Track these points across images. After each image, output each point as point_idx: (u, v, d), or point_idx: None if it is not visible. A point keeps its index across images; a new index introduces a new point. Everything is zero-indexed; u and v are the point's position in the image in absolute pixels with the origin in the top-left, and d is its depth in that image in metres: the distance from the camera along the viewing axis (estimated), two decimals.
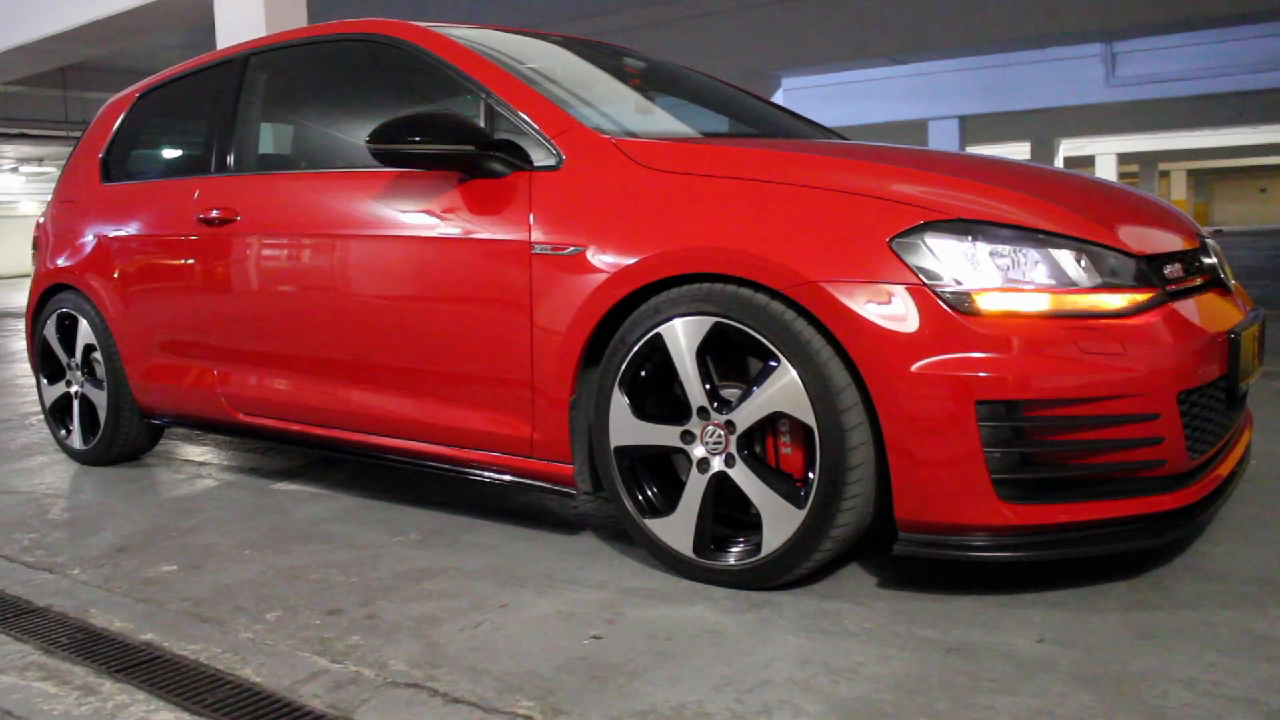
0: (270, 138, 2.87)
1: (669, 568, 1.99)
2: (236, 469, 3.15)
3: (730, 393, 1.89)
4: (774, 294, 1.78)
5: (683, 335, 1.88)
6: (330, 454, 2.57)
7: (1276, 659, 1.53)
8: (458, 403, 2.24)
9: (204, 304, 2.80)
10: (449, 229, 2.21)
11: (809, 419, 1.75)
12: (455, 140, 2.11)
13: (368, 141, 2.15)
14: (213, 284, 2.77)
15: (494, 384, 2.17)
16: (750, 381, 1.86)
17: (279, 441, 2.70)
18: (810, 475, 1.77)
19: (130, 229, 3.05)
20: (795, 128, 2.89)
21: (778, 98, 12.69)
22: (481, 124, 2.21)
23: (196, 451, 3.48)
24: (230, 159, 2.82)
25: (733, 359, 1.94)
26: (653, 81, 2.90)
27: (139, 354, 3.05)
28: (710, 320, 1.84)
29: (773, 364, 1.79)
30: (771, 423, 1.85)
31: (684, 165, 1.97)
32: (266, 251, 2.62)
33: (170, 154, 3.35)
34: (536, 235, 2.06)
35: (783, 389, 1.78)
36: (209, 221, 2.75)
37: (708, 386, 1.88)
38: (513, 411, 2.14)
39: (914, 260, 1.69)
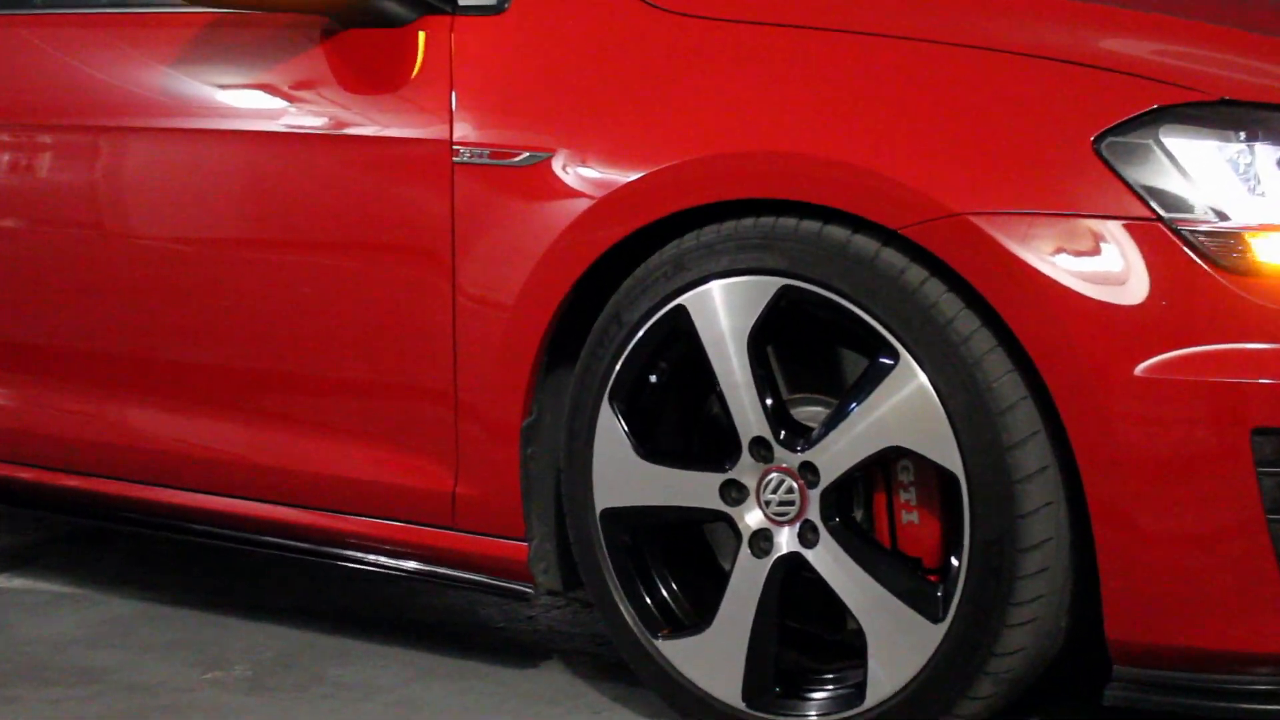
0: None
1: None
2: None
3: (809, 412, 1.92)
4: (888, 235, 1.78)
5: (724, 310, 1.89)
6: (92, 523, 2.61)
7: None
8: (322, 430, 2.28)
9: None
10: (306, 119, 2.25)
11: (950, 460, 1.76)
12: None
13: None
14: None
15: (386, 396, 2.21)
16: (845, 393, 1.87)
17: None
18: (953, 562, 1.78)
19: None
20: None
21: None
22: None
23: None
24: None
25: (812, 353, 1.95)
26: None
27: None
28: (775, 283, 1.85)
29: (885, 361, 1.80)
30: (883, 467, 1.86)
31: (729, 6, 1.98)
32: None
33: None
34: (462, 131, 2.08)
35: (903, 406, 1.79)
36: None
37: (769, 402, 1.89)
38: (420, 445, 2.17)
39: (1140, 176, 1.69)
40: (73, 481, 2.57)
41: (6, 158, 2.60)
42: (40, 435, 2.59)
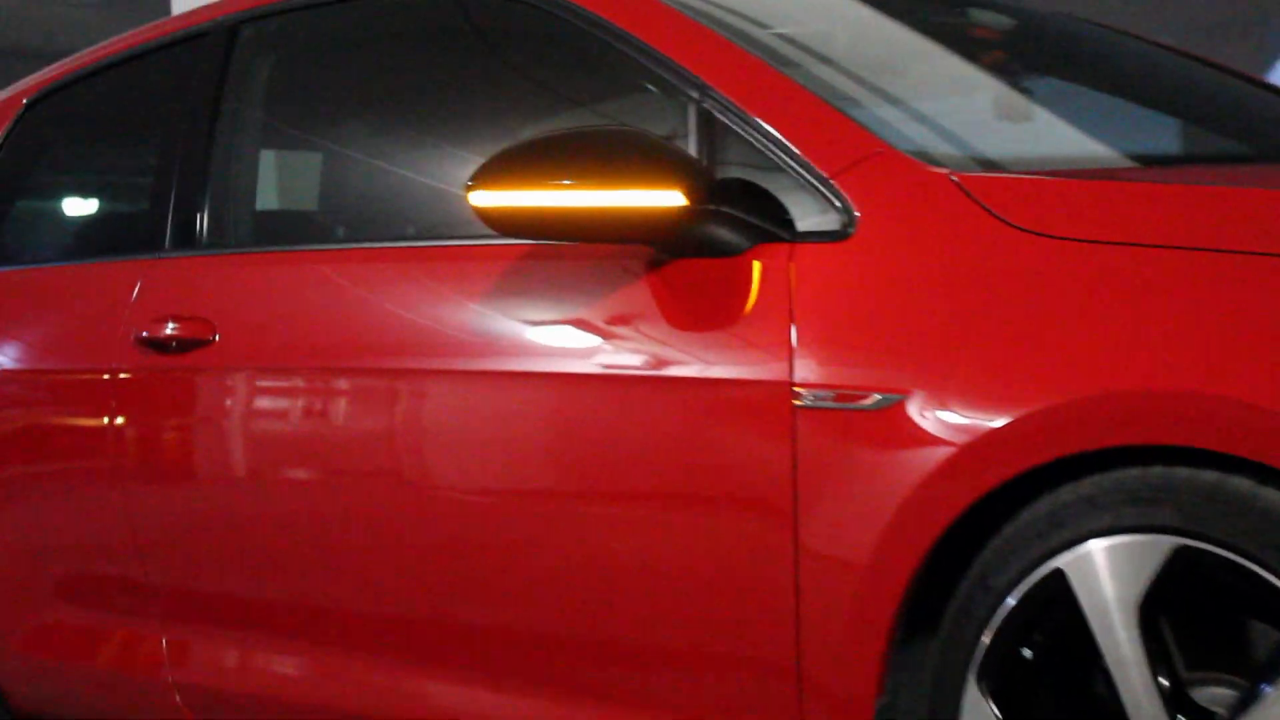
0: (276, 182, 3.17)
1: None
2: None
3: (1213, 695, 1.93)
4: None
5: (1109, 575, 1.94)
6: None
7: None
8: (642, 708, 2.39)
9: (144, 507, 3.05)
10: (626, 358, 2.40)
11: None
12: (642, 185, 2.25)
13: (469, 188, 2.35)
14: (162, 468, 3.05)
15: (717, 669, 2.30)
16: (1255, 673, 1.90)
17: None
18: None
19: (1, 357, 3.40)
20: None
21: None
22: (694, 151, 2.41)
23: None
24: (201, 224, 3.11)
25: (1215, 623, 1.99)
26: (1028, 53, 3.06)
27: (11, 603, 3.35)
28: (1167, 543, 1.89)
29: None
30: None
31: (1104, 225, 2.08)
32: (268, 403, 2.89)
33: (85, 213, 3.71)
34: (804, 371, 2.18)
35: None
36: (159, 344, 3.01)
37: (1165, 682, 1.91)
38: None
39: None
40: None
41: (305, 405, 2.83)
42: (338, 706, 2.77)
